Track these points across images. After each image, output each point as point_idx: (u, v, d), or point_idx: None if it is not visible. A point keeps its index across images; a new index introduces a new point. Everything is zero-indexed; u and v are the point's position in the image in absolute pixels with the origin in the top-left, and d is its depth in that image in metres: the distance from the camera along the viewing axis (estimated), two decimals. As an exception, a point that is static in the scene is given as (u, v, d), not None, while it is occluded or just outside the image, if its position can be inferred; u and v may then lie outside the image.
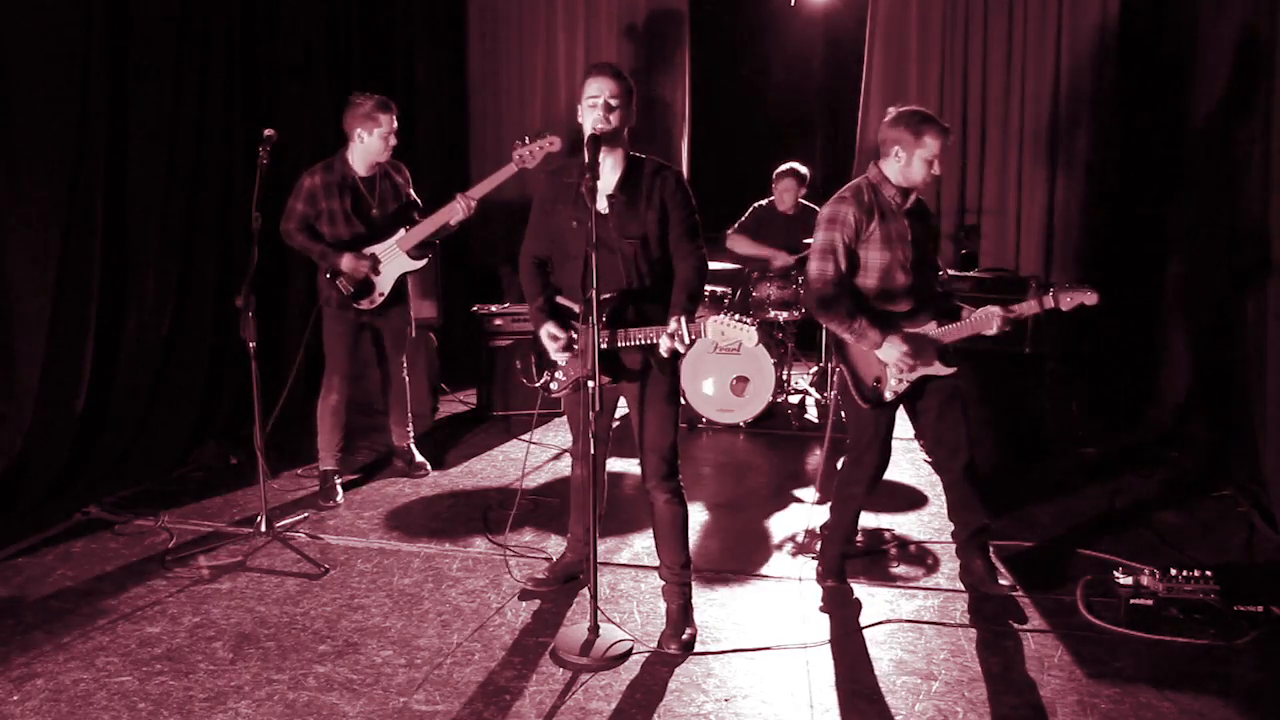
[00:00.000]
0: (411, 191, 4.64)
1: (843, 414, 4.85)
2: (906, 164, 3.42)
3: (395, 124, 4.42)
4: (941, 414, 3.58)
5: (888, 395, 3.50)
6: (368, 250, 4.46)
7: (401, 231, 4.49)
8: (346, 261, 4.40)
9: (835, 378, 3.76)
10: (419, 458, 5.02)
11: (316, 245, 4.44)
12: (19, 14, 4.22)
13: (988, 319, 3.45)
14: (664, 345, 3.06)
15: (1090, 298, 3.42)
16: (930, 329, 3.48)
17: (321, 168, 4.46)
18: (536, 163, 4.32)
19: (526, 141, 4.29)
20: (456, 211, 4.45)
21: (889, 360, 3.42)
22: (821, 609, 3.58)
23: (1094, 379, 5.86)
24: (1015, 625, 3.44)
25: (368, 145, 4.40)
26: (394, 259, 4.51)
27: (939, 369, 3.50)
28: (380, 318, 4.65)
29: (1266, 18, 4.64)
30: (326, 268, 4.46)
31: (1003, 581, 3.61)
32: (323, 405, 4.66)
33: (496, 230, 7.40)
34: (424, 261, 4.60)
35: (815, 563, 3.84)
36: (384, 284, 4.53)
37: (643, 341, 3.14)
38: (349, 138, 4.42)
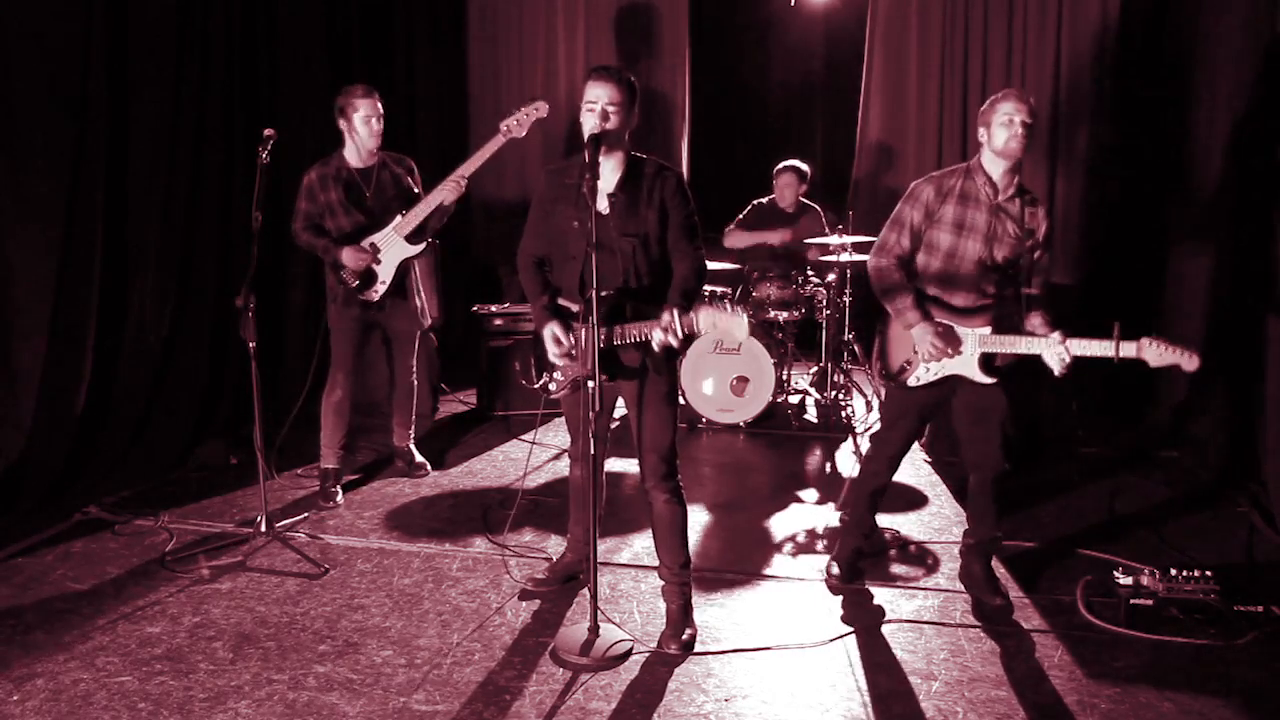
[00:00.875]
0: (411, 180, 4.61)
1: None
2: (990, 138, 3.33)
3: (379, 108, 4.44)
4: (977, 420, 3.50)
5: (910, 380, 3.47)
6: (367, 240, 4.48)
7: (398, 217, 4.50)
8: (347, 254, 4.43)
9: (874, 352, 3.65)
10: (419, 458, 5.03)
11: (320, 240, 4.48)
12: (19, 13, 4.22)
13: (1047, 350, 3.24)
14: (657, 338, 3.05)
15: (1191, 363, 3.08)
16: (983, 332, 3.35)
17: (319, 163, 4.52)
18: (525, 131, 4.35)
19: (513, 112, 4.30)
20: (448, 190, 4.44)
21: (918, 344, 3.38)
22: (842, 612, 3.57)
23: (1094, 379, 5.86)
24: (1015, 625, 3.44)
25: (356, 132, 4.44)
26: (392, 245, 4.52)
27: (975, 373, 3.38)
28: (386, 316, 4.65)
29: (1266, 14, 4.64)
30: (330, 261, 4.48)
31: (998, 595, 3.57)
32: (326, 402, 4.67)
33: (497, 230, 7.40)
34: (422, 246, 4.58)
35: (829, 559, 3.83)
36: (385, 272, 4.53)
37: (637, 338, 3.14)
38: (342, 131, 4.47)
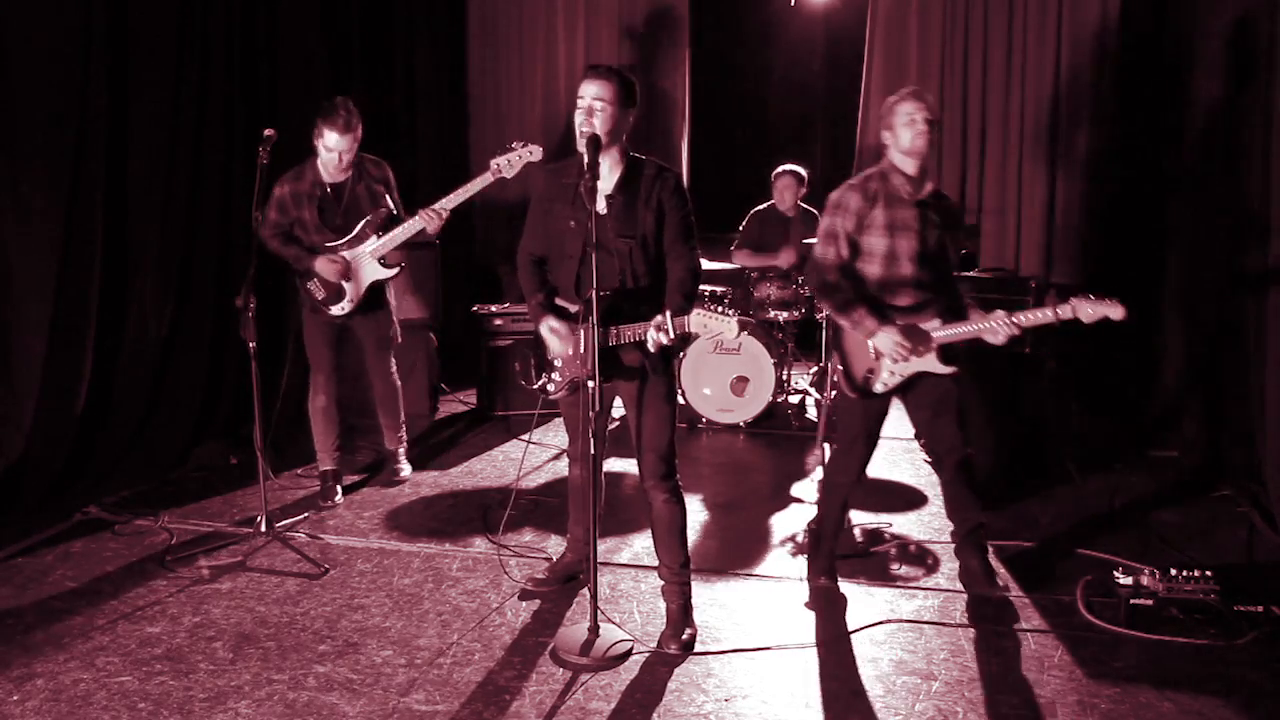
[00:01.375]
0: (389, 199, 4.51)
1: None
2: (896, 139, 3.45)
3: (343, 141, 4.25)
4: (936, 412, 3.57)
5: (877, 387, 3.51)
6: (339, 254, 4.42)
7: (373, 239, 4.42)
8: (321, 263, 4.38)
9: (833, 367, 3.73)
10: (401, 463, 4.95)
11: (291, 249, 4.43)
12: (19, 14, 4.22)
13: (993, 328, 3.38)
14: (651, 338, 3.07)
15: (1116, 311, 3.26)
16: (933, 326, 3.46)
17: (291, 176, 4.42)
18: (515, 172, 4.30)
19: (506, 150, 4.25)
20: (427, 219, 4.31)
21: (883, 349, 3.41)
22: (809, 606, 3.58)
23: (1094, 379, 5.86)
24: (1015, 625, 3.44)
25: (322, 157, 4.36)
26: (364, 266, 4.46)
27: (936, 366, 3.48)
28: (356, 325, 4.60)
29: (1265, 15, 4.64)
30: (301, 270, 4.44)
31: (997, 586, 3.58)
32: (312, 407, 4.66)
33: (497, 230, 7.40)
34: (395, 271, 4.52)
35: (810, 574, 3.83)
36: (354, 291, 4.46)
37: (633, 339, 3.15)
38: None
